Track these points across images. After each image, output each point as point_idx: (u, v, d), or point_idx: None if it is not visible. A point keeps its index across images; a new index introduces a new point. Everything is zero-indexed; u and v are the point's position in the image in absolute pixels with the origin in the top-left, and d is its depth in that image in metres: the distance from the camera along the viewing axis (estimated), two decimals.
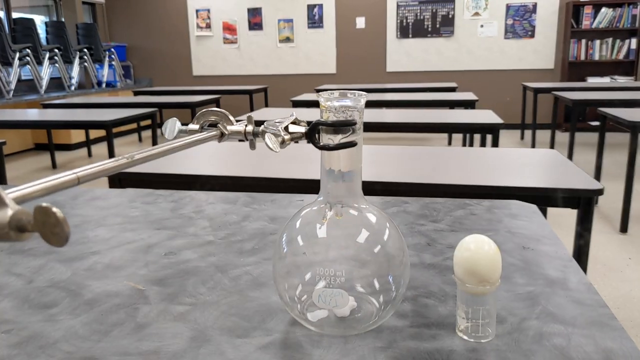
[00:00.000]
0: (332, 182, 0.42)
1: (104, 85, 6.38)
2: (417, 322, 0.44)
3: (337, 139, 0.39)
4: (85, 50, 5.98)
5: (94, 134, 5.45)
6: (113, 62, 6.44)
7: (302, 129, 0.40)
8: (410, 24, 6.12)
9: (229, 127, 0.40)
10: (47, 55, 5.43)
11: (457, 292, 0.42)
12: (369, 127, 2.48)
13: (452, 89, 4.68)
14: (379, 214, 0.43)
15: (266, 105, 5.82)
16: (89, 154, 5.06)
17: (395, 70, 6.27)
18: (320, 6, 6.32)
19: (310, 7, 6.35)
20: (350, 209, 0.43)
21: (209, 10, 6.64)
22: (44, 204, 0.19)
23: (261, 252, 0.61)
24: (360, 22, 6.27)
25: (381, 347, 0.41)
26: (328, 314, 0.42)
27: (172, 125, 0.40)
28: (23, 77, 5.62)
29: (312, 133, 0.39)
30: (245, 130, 0.40)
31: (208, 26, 6.68)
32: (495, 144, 2.42)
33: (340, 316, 0.42)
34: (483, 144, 2.79)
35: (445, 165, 1.44)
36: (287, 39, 6.49)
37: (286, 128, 0.40)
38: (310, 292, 0.41)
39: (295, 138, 0.40)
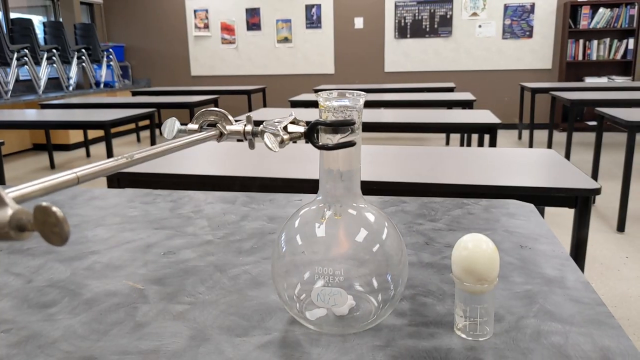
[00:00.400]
0: (331, 181, 0.42)
1: (102, 85, 6.37)
2: (415, 320, 0.45)
3: (336, 138, 0.40)
4: (84, 50, 5.97)
5: (93, 134, 5.44)
6: (111, 63, 6.43)
7: (301, 129, 0.40)
8: (409, 24, 6.13)
9: (228, 127, 0.40)
10: (45, 55, 5.42)
11: (455, 291, 0.42)
12: (367, 127, 2.48)
13: (450, 89, 4.69)
14: (378, 214, 0.44)
15: (264, 106, 5.82)
16: (87, 154, 5.06)
17: (393, 70, 6.28)
18: (319, 6, 6.32)
19: (309, 8, 6.35)
20: (349, 209, 0.43)
21: (207, 11, 6.64)
22: (44, 204, 0.19)
23: (260, 251, 0.61)
24: (359, 23, 6.28)
25: (379, 345, 0.41)
26: (327, 312, 0.42)
27: (172, 125, 0.40)
28: (21, 78, 5.61)
29: (311, 133, 0.40)
30: (244, 130, 0.40)
31: (206, 26, 6.68)
32: (492, 143, 2.43)
33: (339, 315, 0.42)
34: (481, 143, 2.80)
35: (443, 165, 1.45)
36: (285, 39, 6.49)
37: (285, 128, 0.40)
38: (309, 291, 0.41)
39: (294, 138, 0.41)
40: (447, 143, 5.19)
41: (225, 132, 0.40)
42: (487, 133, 2.43)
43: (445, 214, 0.74)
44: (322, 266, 0.41)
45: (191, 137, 0.36)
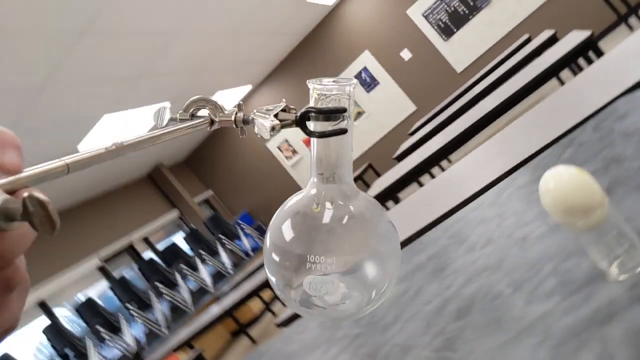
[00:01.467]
0: (322, 169, 0.41)
1: (251, 253, 6.95)
2: (565, 291, 0.37)
3: (327, 126, 0.39)
4: (221, 236, 6.66)
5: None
6: (246, 230, 7.05)
7: (292, 116, 0.40)
8: (447, 20, 6.01)
9: (219, 115, 0.41)
10: (198, 260, 6.13)
11: (581, 241, 0.35)
12: (478, 126, 2.37)
13: (527, 41, 4.38)
14: (369, 202, 0.42)
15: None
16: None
17: (464, 66, 6.07)
18: (365, 69, 6.49)
19: (358, 75, 6.55)
20: (340, 198, 0.42)
21: (287, 140, 7.13)
22: (33, 193, 0.19)
23: None
24: (406, 54, 6.29)
25: (538, 342, 0.34)
26: (319, 301, 0.40)
27: (162, 113, 0.41)
28: (191, 288, 6.33)
29: (302, 120, 0.39)
30: (235, 118, 0.40)
31: (294, 152, 7.14)
32: (599, 54, 2.17)
33: (331, 303, 0.40)
34: (589, 62, 2.51)
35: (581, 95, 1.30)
36: (359, 114, 6.67)
37: (276, 115, 0.40)
38: (301, 279, 0.40)
39: (285, 125, 0.40)
40: (562, 83, 4.72)
41: (216, 120, 0.40)
42: (588, 51, 2.19)
43: None
44: (313, 254, 0.39)
45: (182, 125, 0.37)
